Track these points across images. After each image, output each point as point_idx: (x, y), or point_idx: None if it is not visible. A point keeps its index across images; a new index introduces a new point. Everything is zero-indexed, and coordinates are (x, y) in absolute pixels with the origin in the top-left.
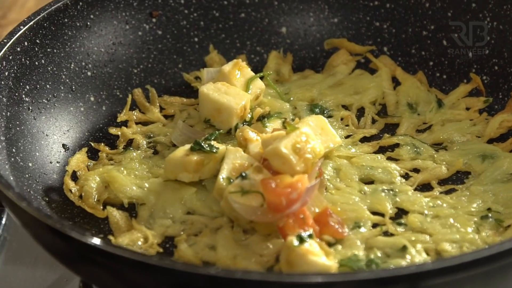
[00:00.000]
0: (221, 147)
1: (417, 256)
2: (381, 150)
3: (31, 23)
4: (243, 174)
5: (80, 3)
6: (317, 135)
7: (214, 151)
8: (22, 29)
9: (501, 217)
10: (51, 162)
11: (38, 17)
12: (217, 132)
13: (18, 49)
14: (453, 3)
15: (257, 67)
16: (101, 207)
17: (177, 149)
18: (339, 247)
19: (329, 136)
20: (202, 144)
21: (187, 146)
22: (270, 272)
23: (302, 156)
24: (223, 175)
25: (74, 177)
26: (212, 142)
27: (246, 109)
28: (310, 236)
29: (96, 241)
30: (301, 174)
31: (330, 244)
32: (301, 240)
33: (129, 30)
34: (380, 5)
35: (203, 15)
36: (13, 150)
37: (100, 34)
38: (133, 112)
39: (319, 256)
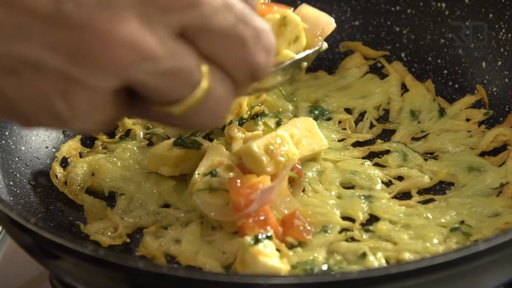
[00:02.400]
0: (205, 143)
1: (375, 263)
2: (372, 155)
3: None
4: (213, 172)
5: None
6: (303, 137)
7: (197, 147)
8: None
9: (471, 231)
10: (47, 147)
11: None
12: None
13: None
14: (471, 13)
15: None
16: (83, 194)
17: (161, 143)
18: (300, 250)
19: (316, 139)
20: (185, 139)
21: (172, 140)
22: (198, 271)
23: (274, 158)
24: (199, 170)
25: (66, 163)
26: (197, 138)
27: (241, 106)
28: (268, 237)
29: (38, 227)
30: (264, 176)
31: (292, 246)
32: (257, 240)
33: None
34: (401, 11)
35: None
36: (6, 133)
37: None
38: None
39: (270, 258)
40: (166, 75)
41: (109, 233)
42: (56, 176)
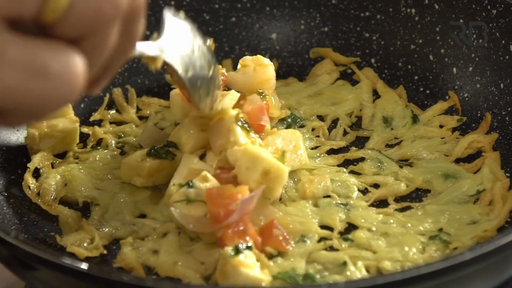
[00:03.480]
0: (179, 153)
1: (356, 273)
2: (346, 163)
3: None
4: (190, 183)
5: None
6: (287, 150)
7: (170, 158)
8: None
9: (450, 239)
10: (18, 158)
11: None
12: None
13: None
14: (442, 18)
15: None
16: (57, 205)
17: (134, 153)
18: (280, 259)
19: (298, 154)
20: (159, 150)
21: (145, 150)
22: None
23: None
24: (174, 181)
25: (38, 174)
26: (171, 149)
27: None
28: (248, 247)
29: (18, 241)
30: (242, 186)
31: (271, 256)
32: (237, 251)
33: None
34: (371, 16)
35: (193, 17)
36: None
37: None
38: (109, 111)
39: (251, 269)
40: None
41: (85, 245)
42: (29, 187)
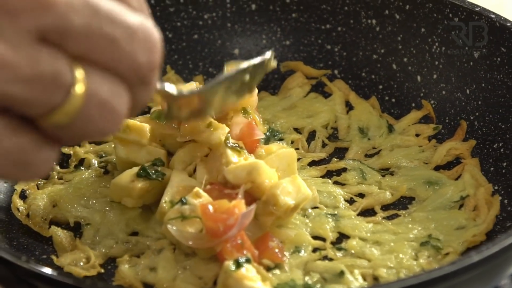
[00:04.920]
0: (168, 172)
1: (353, 281)
2: (329, 174)
3: None
4: (183, 200)
5: None
6: (281, 171)
7: (160, 179)
8: None
9: (440, 245)
10: None
11: None
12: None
13: None
14: (403, 28)
15: None
16: (48, 226)
17: (124, 173)
18: (278, 271)
19: (291, 174)
20: (149, 171)
21: (135, 170)
22: None
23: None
24: (166, 198)
25: (23, 196)
26: (159, 168)
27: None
28: (247, 260)
29: (30, 265)
30: (238, 200)
31: (269, 269)
32: (238, 265)
33: None
34: (332, 29)
35: None
36: None
37: None
38: None
39: (254, 281)
40: (29, 82)
41: (81, 264)
42: (18, 209)
